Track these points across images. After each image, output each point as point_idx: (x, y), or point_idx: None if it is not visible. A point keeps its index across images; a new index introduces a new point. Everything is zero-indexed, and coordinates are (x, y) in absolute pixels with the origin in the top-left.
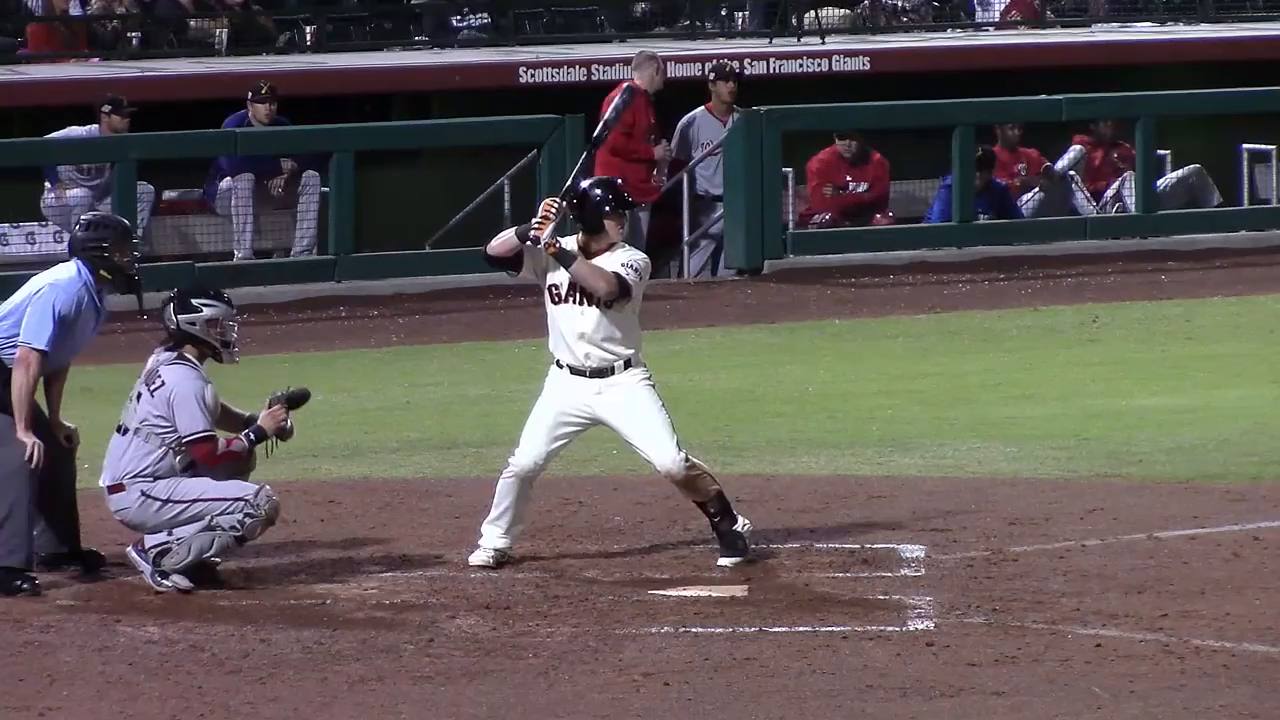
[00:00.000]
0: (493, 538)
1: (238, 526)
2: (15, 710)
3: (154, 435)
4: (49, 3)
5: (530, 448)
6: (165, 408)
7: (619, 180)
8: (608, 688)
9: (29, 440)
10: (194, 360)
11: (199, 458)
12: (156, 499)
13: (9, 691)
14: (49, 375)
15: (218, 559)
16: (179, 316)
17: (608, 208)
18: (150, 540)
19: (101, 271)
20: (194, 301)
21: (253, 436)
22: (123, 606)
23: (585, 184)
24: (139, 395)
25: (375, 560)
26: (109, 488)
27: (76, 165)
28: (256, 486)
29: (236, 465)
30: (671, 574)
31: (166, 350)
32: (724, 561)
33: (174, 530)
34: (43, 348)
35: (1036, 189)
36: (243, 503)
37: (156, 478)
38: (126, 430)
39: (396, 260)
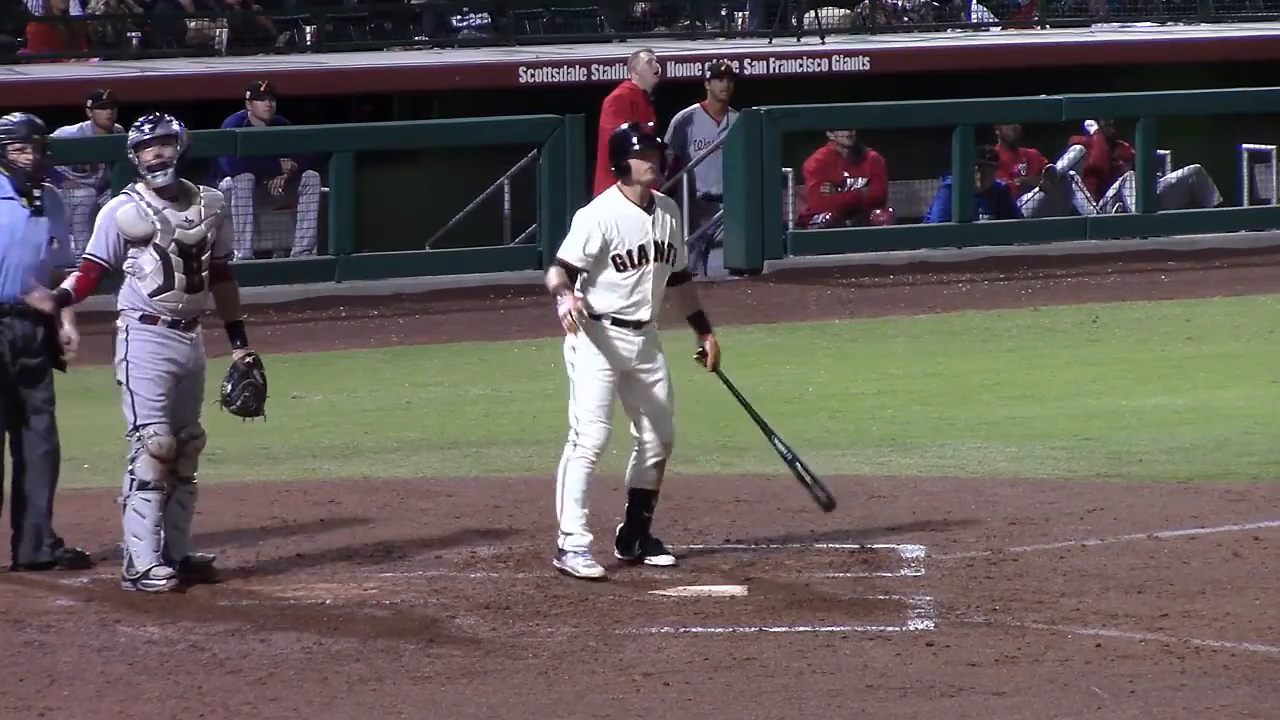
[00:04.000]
0: (585, 535)
1: (130, 475)
2: (15, 710)
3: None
4: (49, 2)
5: (604, 422)
6: None
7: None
8: (608, 688)
9: None
10: (136, 193)
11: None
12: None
13: (9, 691)
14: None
15: (157, 520)
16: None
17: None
18: (124, 565)
19: (1, 168)
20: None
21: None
22: (123, 606)
23: (624, 128)
24: None
25: (375, 560)
26: None
27: (74, 164)
28: (147, 422)
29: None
30: (671, 574)
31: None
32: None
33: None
34: None
35: (1036, 189)
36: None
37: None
38: None
39: (396, 260)
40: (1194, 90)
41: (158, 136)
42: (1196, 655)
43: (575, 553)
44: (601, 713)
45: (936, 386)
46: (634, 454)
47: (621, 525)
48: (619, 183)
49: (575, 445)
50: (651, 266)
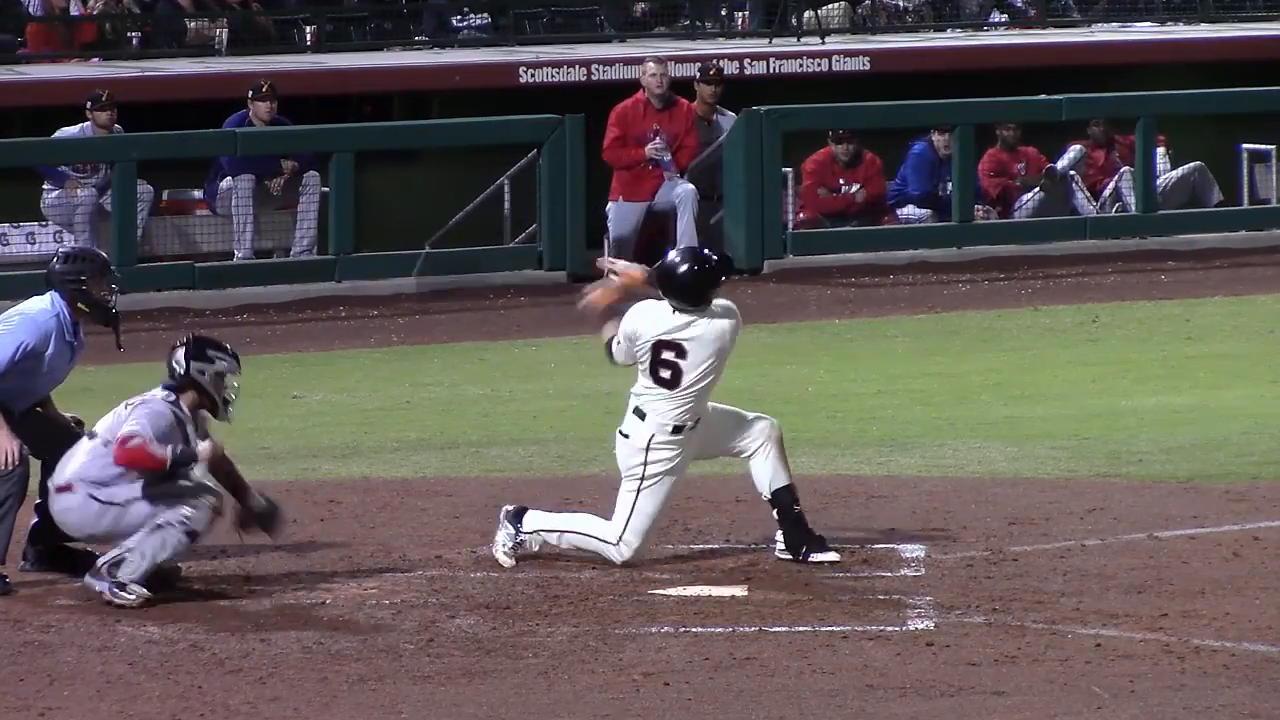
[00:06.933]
0: (533, 545)
1: (185, 519)
2: (15, 710)
3: None
4: (49, 2)
5: (651, 532)
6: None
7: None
8: (608, 688)
9: (8, 443)
10: (183, 409)
11: (118, 448)
12: (98, 501)
13: (9, 691)
14: (39, 404)
15: (175, 562)
16: (191, 362)
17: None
18: (104, 558)
19: (79, 305)
20: (209, 352)
21: (182, 455)
22: (123, 606)
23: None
24: (116, 413)
25: (375, 560)
26: (58, 488)
27: (73, 164)
28: (196, 485)
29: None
30: (671, 574)
31: (164, 388)
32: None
33: (124, 542)
34: None
35: (1037, 189)
36: (183, 499)
37: (106, 486)
38: (94, 436)
39: (396, 260)
40: (1194, 90)
41: (238, 368)
42: (1196, 655)
43: (509, 543)
44: (601, 713)
45: (936, 386)
46: (752, 462)
47: (782, 533)
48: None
49: (614, 545)
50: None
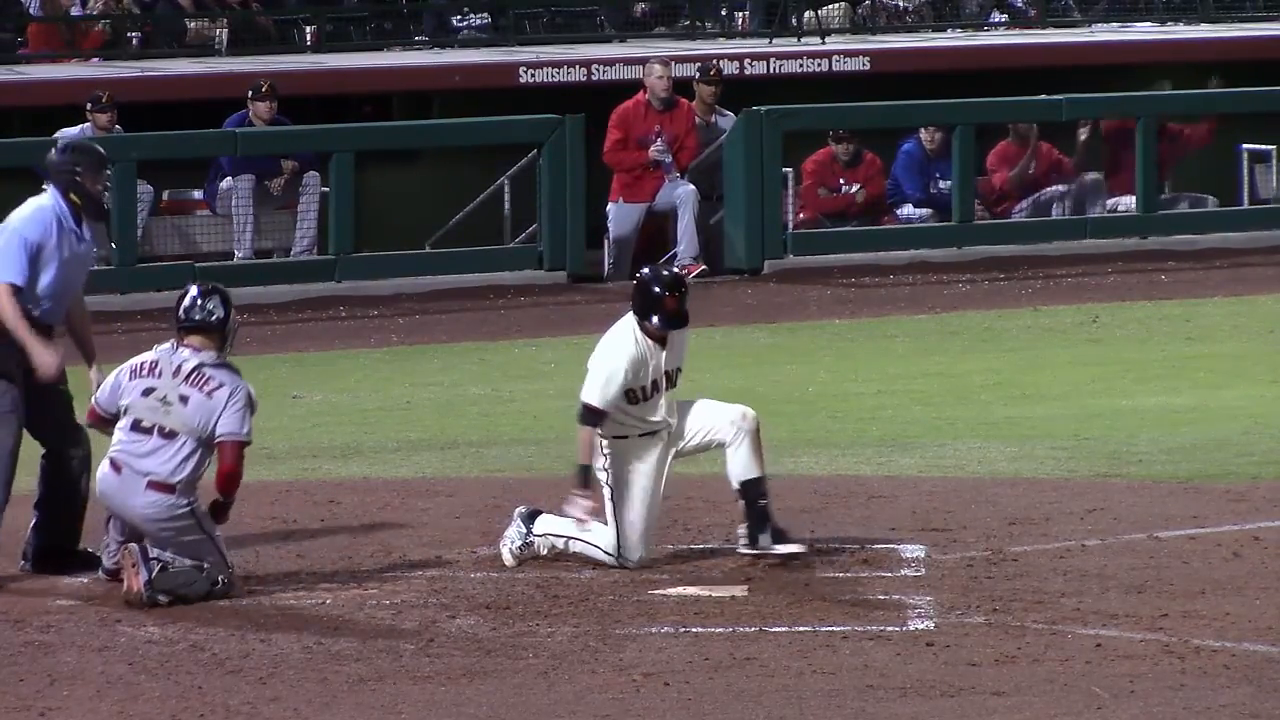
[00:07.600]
0: (541, 548)
1: (217, 583)
2: (15, 710)
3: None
4: (50, 2)
5: (644, 537)
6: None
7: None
8: (608, 688)
9: (47, 357)
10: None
11: (229, 458)
12: (191, 518)
13: (9, 691)
14: (68, 315)
15: (190, 597)
16: (231, 312)
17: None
18: (156, 552)
19: (73, 196)
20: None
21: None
22: (123, 606)
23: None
24: (185, 399)
25: (375, 560)
26: (151, 482)
27: None
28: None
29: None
30: (671, 574)
31: (192, 350)
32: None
33: (175, 555)
34: (13, 281)
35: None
36: (230, 567)
37: (208, 518)
38: (175, 435)
39: (396, 260)
40: (1194, 90)
41: None
42: (1196, 655)
43: (518, 544)
44: (601, 713)
45: (936, 386)
46: (726, 452)
47: (744, 525)
48: (639, 321)
49: (614, 558)
50: (662, 394)
